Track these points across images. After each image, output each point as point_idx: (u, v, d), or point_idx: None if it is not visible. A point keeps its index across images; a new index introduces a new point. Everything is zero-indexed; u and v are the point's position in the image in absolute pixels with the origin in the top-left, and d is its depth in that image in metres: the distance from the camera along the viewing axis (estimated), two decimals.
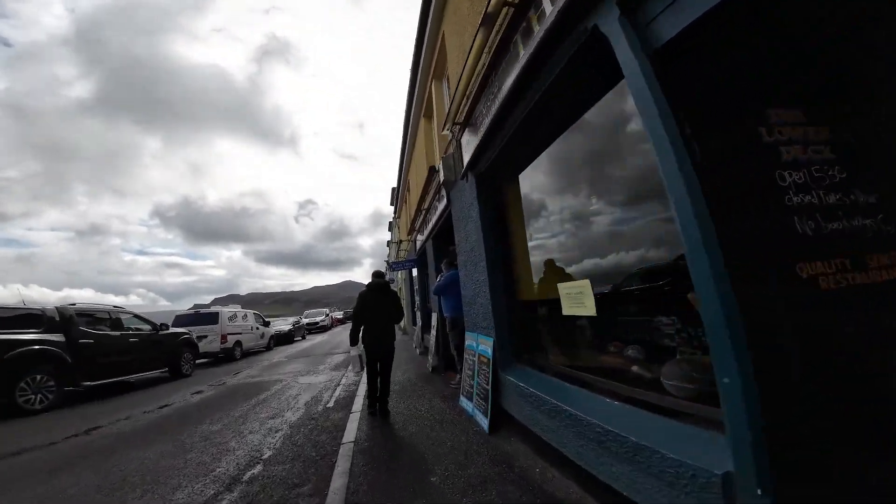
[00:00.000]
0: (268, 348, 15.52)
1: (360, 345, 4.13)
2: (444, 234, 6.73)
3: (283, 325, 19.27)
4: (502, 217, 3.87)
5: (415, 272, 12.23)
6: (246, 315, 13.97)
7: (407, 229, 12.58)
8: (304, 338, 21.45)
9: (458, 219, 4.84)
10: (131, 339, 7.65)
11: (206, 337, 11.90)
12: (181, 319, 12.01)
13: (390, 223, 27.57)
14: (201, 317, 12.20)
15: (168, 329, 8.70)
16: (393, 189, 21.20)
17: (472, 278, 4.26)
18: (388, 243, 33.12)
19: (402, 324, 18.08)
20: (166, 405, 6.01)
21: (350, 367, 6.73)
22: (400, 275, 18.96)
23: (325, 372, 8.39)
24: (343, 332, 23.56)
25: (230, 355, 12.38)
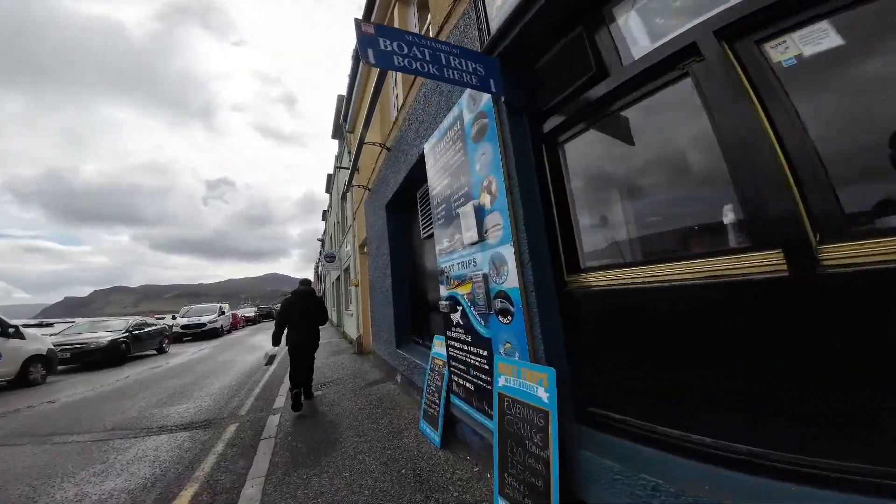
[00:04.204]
0: (21, 383, 6.24)
1: (279, 346, 4.42)
2: None
3: (104, 331, 9.54)
4: None
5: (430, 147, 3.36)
6: None
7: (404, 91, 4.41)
8: (161, 351, 11.74)
9: None
10: None
11: None
12: None
13: (336, 157, 17.68)
14: None
15: None
16: (340, 97, 12.67)
17: None
18: (325, 212, 23.76)
19: (355, 333, 9.68)
20: None
21: None
22: (356, 227, 10.44)
23: None
24: (249, 339, 14.40)
25: None
